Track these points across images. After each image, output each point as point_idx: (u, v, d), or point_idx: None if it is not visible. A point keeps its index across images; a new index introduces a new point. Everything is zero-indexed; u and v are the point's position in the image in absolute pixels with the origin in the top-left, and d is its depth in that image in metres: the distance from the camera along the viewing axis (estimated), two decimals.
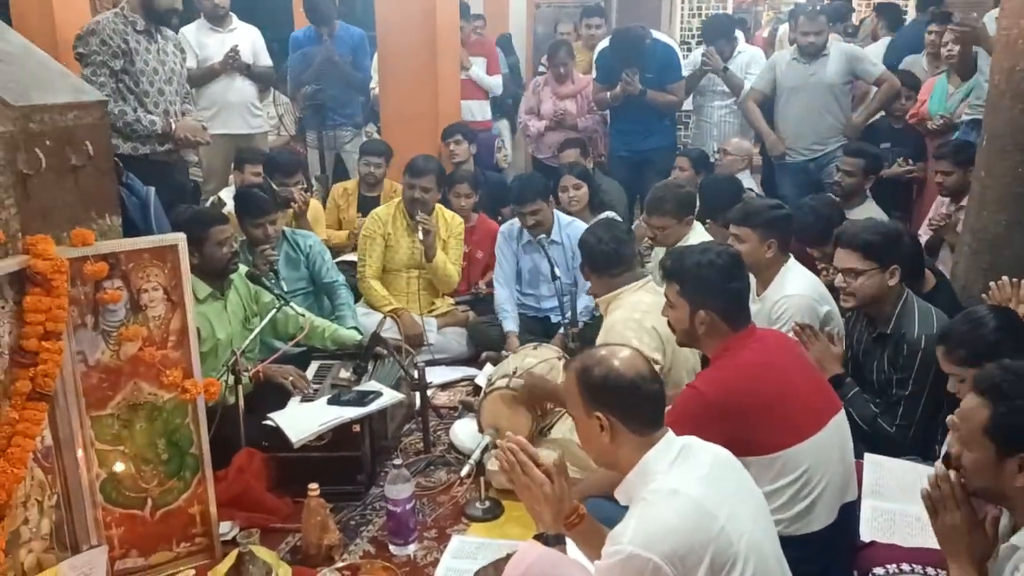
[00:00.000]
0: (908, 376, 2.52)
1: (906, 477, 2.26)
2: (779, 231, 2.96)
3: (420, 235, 3.94)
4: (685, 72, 5.27)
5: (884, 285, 2.59)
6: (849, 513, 2.16)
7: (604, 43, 5.38)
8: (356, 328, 3.58)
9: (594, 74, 5.44)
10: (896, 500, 2.18)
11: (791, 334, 2.73)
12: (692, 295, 2.24)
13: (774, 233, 2.94)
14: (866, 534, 2.08)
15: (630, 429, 1.68)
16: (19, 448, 1.92)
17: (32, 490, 2.07)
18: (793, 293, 2.86)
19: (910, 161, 4.60)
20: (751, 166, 5.04)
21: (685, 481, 1.61)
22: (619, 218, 4.06)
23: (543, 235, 3.91)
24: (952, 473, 1.64)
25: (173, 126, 3.60)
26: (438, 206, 4.15)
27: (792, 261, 3.01)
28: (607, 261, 2.89)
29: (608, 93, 5.15)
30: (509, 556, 1.72)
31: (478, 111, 5.95)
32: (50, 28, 4.89)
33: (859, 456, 2.33)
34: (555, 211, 4.02)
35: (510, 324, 3.92)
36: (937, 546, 1.71)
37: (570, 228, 4.00)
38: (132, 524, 2.32)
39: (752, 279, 3.05)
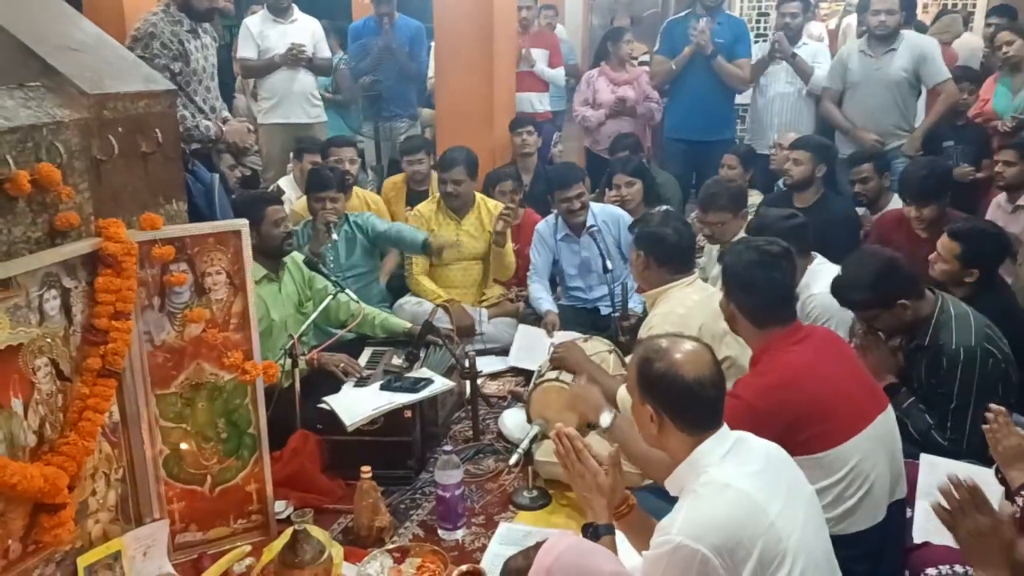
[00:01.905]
0: (951, 390, 2.47)
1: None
2: (795, 240, 2.81)
3: (498, 226, 3.98)
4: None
5: (901, 318, 2.56)
6: (898, 511, 2.14)
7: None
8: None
9: (657, 45, 5.38)
10: None
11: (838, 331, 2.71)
12: (730, 288, 2.28)
13: (791, 243, 2.89)
14: (919, 535, 2.05)
15: (678, 427, 1.69)
16: (89, 422, 2.01)
17: (100, 463, 2.16)
18: (819, 292, 2.86)
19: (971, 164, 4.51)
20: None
21: (737, 475, 1.61)
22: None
23: (593, 227, 3.92)
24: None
25: (224, 130, 3.64)
26: (480, 196, 4.19)
27: (819, 260, 3.02)
28: (682, 257, 2.83)
29: (672, 62, 5.07)
30: (539, 544, 1.74)
31: (537, 103, 5.94)
32: (119, 16, 5.05)
33: (915, 456, 2.30)
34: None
35: (547, 305, 3.96)
36: None
37: (603, 214, 4.03)
38: (192, 499, 2.40)
39: None
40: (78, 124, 2.02)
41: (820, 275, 2.96)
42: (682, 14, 5.35)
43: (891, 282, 2.54)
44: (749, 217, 3.58)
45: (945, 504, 1.61)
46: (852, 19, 6.38)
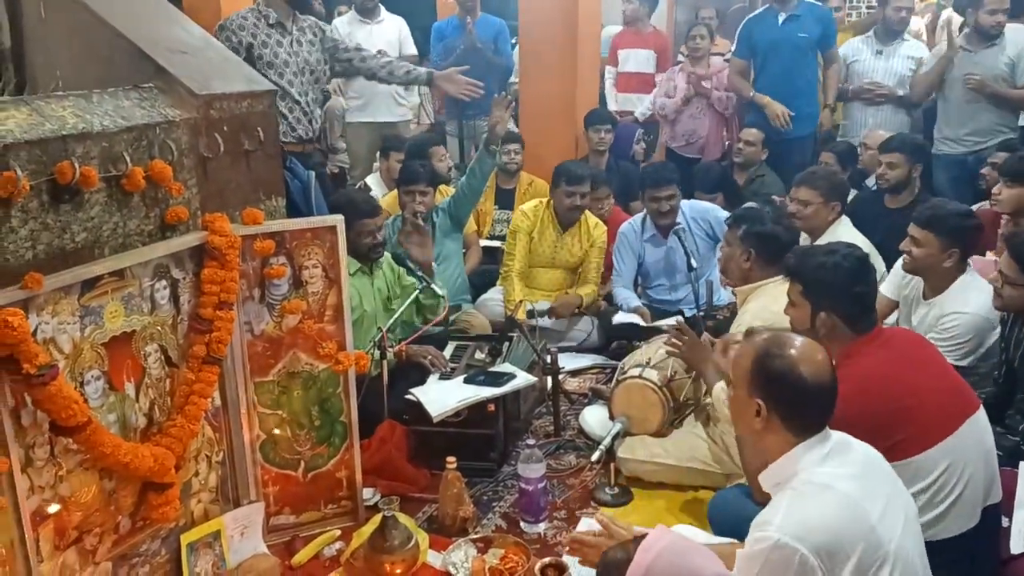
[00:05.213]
0: None
1: None
2: (964, 242, 2.77)
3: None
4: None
5: None
6: (993, 517, 2.07)
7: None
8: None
9: (733, 47, 5.26)
10: None
11: (953, 352, 2.62)
12: (814, 296, 2.21)
13: (958, 243, 2.76)
14: (1017, 545, 1.99)
15: (786, 428, 1.66)
16: (195, 406, 2.12)
17: (203, 446, 2.27)
18: (969, 311, 2.71)
19: None
20: None
21: (837, 477, 1.59)
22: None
23: (679, 226, 3.90)
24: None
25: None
26: (585, 212, 4.18)
27: (971, 273, 2.83)
28: (785, 254, 2.73)
29: (753, 94, 4.95)
30: (637, 539, 1.74)
31: (638, 103, 5.86)
32: (216, 18, 5.25)
33: (1013, 464, 2.22)
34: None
35: (635, 302, 3.96)
36: None
37: (693, 211, 3.99)
38: (286, 484, 2.49)
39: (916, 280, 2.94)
40: (187, 123, 2.13)
41: (971, 291, 2.77)
42: (759, 10, 5.22)
43: None
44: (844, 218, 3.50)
45: None
46: (949, 12, 6.15)
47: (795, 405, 1.65)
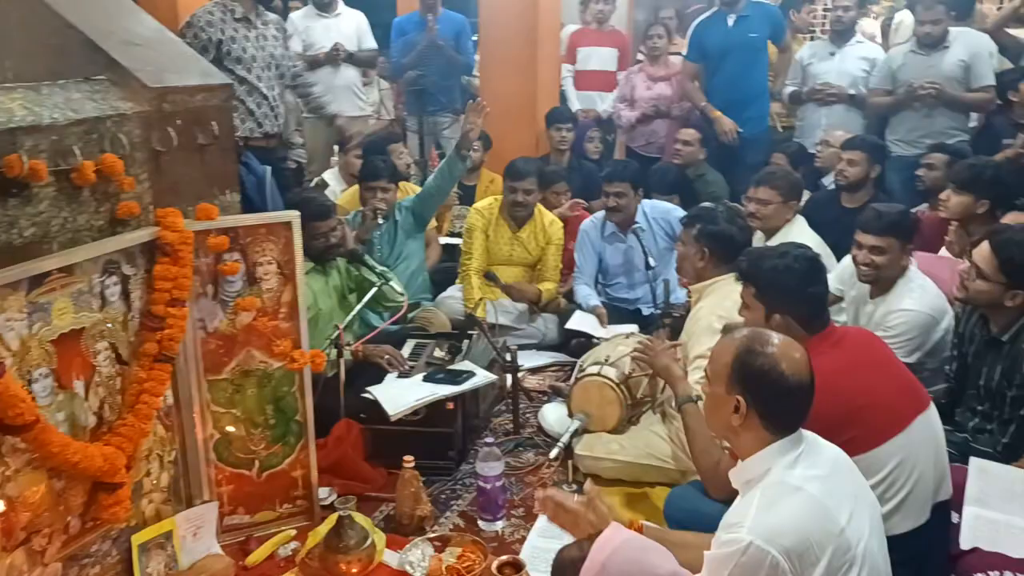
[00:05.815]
0: None
1: (1015, 487, 2.18)
2: (906, 237, 2.85)
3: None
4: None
5: (1000, 300, 2.47)
6: (943, 513, 2.11)
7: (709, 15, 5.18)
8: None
9: (685, 50, 5.28)
10: (1002, 510, 2.10)
11: (899, 349, 2.67)
12: (768, 298, 2.23)
13: (912, 240, 2.84)
14: (967, 541, 2.03)
15: (764, 426, 1.65)
16: (146, 405, 2.08)
17: (155, 445, 2.23)
18: (913, 308, 2.77)
19: None
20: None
21: (807, 478, 1.59)
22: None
23: (637, 224, 3.93)
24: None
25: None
26: (538, 208, 4.19)
27: (914, 267, 2.89)
28: (739, 254, 2.73)
29: (704, 105, 4.99)
30: (592, 537, 1.74)
31: (600, 101, 5.82)
32: (173, 10, 5.15)
33: (963, 461, 2.28)
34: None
35: (594, 300, 3.97)
36: None
37: (655, 211, 4.03)
38: (240, 483, 2.46)
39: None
40: (140, 116, 2.09)
41: (914, 289, 2.84)
42: (707, 14, 5.26)
43: None
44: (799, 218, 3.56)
45: None
46: (903, 15, 6.27)
47: (775, 403, 1.65)
